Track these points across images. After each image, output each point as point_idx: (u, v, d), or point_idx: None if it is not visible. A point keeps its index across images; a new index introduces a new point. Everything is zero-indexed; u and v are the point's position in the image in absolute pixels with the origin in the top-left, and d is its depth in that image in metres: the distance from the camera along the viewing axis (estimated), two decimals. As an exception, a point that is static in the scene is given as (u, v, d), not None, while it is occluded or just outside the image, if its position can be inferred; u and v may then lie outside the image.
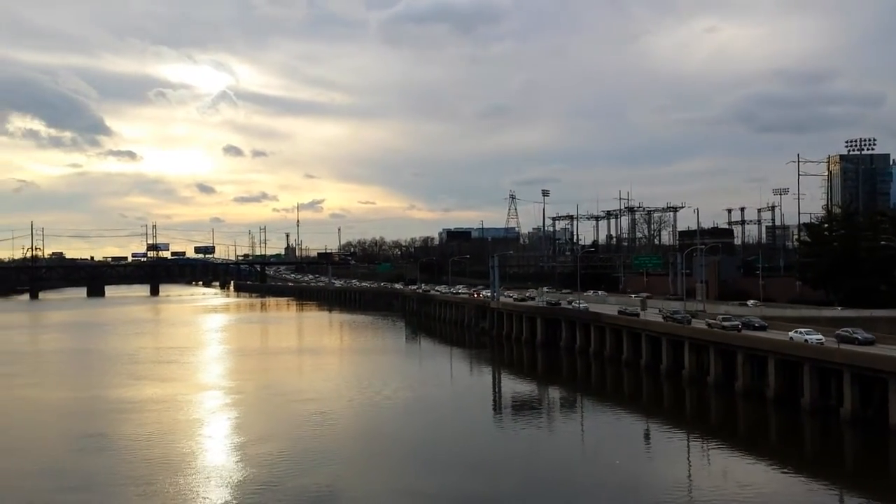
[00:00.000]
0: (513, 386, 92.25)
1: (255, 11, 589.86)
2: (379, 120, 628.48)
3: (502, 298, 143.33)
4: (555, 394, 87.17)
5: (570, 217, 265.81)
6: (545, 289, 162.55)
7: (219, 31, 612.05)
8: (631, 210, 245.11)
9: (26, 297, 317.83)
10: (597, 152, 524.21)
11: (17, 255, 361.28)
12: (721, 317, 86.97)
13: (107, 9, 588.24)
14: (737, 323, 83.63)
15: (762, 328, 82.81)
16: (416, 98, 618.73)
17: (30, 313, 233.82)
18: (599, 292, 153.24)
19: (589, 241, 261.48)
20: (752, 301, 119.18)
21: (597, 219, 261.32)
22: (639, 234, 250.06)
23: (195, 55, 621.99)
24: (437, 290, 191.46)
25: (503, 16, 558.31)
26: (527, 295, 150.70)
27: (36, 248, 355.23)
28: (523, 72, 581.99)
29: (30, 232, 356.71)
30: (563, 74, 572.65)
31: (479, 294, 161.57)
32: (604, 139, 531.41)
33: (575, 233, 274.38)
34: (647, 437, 63.93)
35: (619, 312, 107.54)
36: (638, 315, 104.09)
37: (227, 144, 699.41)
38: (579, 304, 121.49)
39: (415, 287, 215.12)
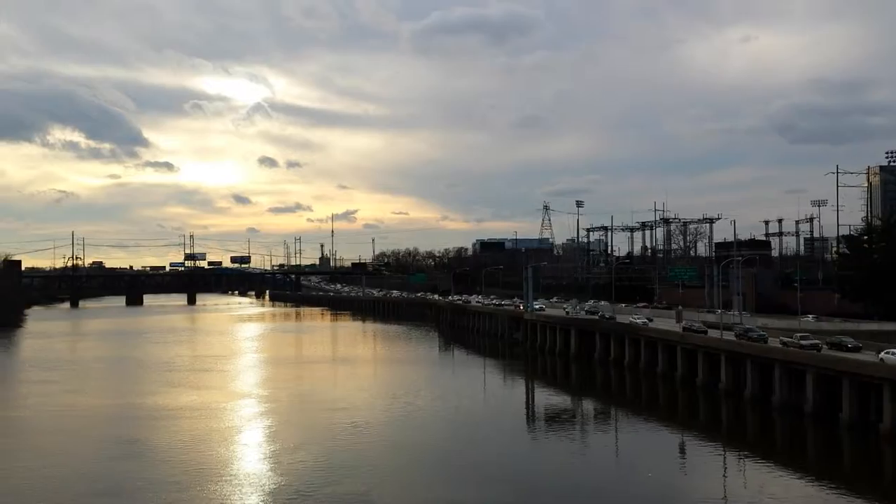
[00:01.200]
0: (546, 397, 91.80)
1: (290, 24, 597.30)
2: (412, 130, 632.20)
3: (549, 310, 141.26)
4: (589, 406, 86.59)
5: (605, 228, 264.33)
6: (602, 302, 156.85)
7: (255, 44, 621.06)
8: (666, 221, 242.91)
9: (67, 305, 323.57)
10: (631, 163, 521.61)
11: (59, 264, 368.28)
12: (798, 335, 78.99)
13: (145, 22, 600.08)
14: (816, 342, 76.07)
15: (856, 349, 73.71)
16: (449, 109, 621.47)
17: (70, 321, 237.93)
18: (646, 308, 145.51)
19: (623, 253, 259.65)
20: (811, 315, 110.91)
21: (631, 230, 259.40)
22: (674, 246, 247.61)
23: (231, 67, 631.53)
24: (480, 302, 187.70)
25: (536, 26, 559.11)
26: (582, 307, 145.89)
27: (77, 258, 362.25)
28: (556, 82, 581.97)
29: (71, 241, 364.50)
30: (596, 84, 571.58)
31: (519, 306, 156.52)
32: (638, 149, 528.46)
33: (609, 244, 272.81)
34: (682, 450, 63.24)
35: (685, 329, 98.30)
36: (706, 332, 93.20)
37: (262, 155, 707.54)
38: (637, 319, 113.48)
39: (448, 297, 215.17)
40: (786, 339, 79.63)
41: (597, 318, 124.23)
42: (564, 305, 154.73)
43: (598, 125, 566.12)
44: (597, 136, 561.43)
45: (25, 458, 58.73)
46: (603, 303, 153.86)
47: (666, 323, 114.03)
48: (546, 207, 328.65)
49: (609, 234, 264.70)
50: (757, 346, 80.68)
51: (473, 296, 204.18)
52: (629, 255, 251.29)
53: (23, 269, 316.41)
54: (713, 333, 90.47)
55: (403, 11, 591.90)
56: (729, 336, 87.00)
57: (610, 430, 73.36)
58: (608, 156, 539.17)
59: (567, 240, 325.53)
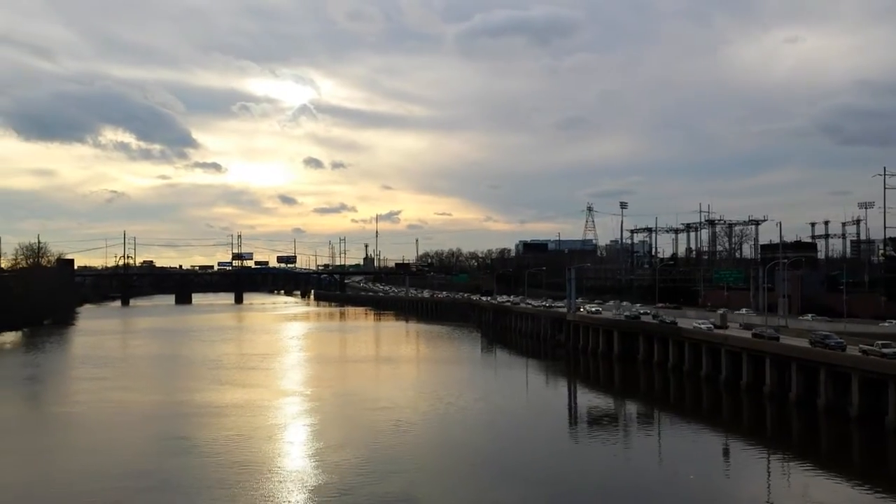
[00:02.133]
0: (589, 399, 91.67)
1: (336, 26, 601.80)
2: (456, 132, 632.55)
3: (605, 313, 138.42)
4: (632, 408, 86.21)
5: (649, 230, 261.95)
6: (659, 306, 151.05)
7: (302, 46, 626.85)
8: (711, 223, 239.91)
9: (118, 303, 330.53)
10: (675, 164, 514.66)
11: (111, 262, 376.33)
12: (880, 343, 73.23)
13: (195, 25, 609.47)
14: None
15: None
16: (492, 110, 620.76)
17: (121, 319, 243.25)
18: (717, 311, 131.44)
19: (668, 255, 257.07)
20: (889, 321, 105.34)
21: (676, 231, 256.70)
22: (719, 248, 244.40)
23: (278, 69, 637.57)
24: (530, 304, 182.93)
25: (579, 27, 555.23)
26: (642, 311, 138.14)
27: (128, 257, 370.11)
28: (599, 83, 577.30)
29: (122, 241, 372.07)
30: (640, 85, 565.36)
31: (580, 308, 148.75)
32: (682, 151, 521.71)
33: (654, 246, 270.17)
34: (725, 453, 62.76)
35: (754, 335, 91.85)
36: (778, 339, 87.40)
37: (307, 156, 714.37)
38: (701, 324, 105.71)
39: (491, 298, 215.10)
40: (867, 348, 73.72)
41: (655, 322, 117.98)
42: (627, 311, 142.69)
43: (642, 126, 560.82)
44: (640, 138, 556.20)
45: (78, 453, 60.59)
46: (659, 306, 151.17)
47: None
48: (589, 209, 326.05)
49: (653, 235, 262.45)
50: (834, 355, 74.95)
51: (520, 297, 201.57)
52: (673, 256, 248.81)
53: (76, 267, 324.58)
54: (788, 338, 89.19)
55: (447, 14, 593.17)
56: (800, 342, 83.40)
57: (653, 433, 73.05)
58: (652, 157, 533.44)
59: (610, 241, 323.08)
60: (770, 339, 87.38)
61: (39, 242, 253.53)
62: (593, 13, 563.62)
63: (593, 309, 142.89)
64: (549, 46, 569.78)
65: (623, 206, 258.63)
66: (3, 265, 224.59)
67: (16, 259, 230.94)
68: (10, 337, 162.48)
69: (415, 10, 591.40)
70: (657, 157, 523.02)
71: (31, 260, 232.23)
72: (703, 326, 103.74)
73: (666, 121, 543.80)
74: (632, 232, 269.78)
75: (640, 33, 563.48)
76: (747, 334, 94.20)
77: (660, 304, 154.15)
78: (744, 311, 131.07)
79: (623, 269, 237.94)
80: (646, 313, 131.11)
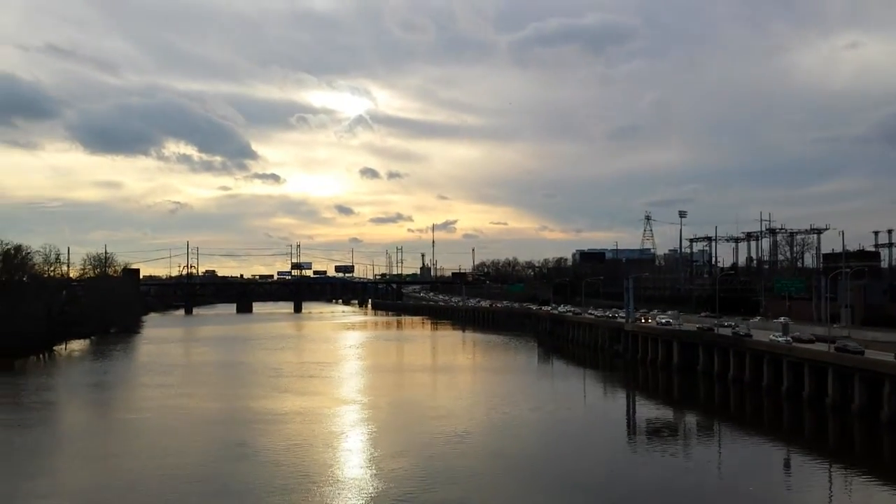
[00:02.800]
0: (647, 410, 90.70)
1: (390, 37, 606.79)
2: (511, 141, 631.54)
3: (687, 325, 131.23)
4: (691, 419, 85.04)
5: (708, 239, 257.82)
6: (703, 315, 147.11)
7: (358, 57, 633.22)
8: (772, 232, 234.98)
9: (181, 312, 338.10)
10: (733, 172, 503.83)
11: (174, 272, 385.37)
12: None
13: (253, 37, 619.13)
14: None
15: None
16: (547, 119, 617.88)
17: (185, 328, 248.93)
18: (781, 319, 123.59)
19: (728, 264, 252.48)
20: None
21: (736, 241, 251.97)
22: (780, 257, 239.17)
23: (336, 81, 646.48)
24: (592, 314, 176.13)
25: (633, 34, 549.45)
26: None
27: (191, 266, 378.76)
28: (654, 90, 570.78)
29: (185, 251, 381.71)
30: (696, 92, 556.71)
31: (649, 319, 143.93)
32: (740, 158, 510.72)
33: (713, 255, 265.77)
34: (786, 465, 61.62)
35: (837, 349, 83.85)
36: (863, 353, 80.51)
37: (364, 167, 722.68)
38: (778, 338, 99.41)
39: (548, 308, 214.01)
40: None
41: (731, 335, 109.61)
42: (699, 322, 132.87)
43: (699, 134, 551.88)
44: (697, 145, 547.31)
45: (144, 457, 62.35)
46: (703, 314, 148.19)
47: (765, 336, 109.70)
48: (647, 217, 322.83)
49: (713, 244, 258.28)
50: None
51: (582, 308, 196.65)
52: (733, 266, 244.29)
53: (141, 277, 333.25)
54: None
55: (500, 23, 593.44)
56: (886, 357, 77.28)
57: (712, 444, 72.02)
58: (709, 165, 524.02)
59: (669, 250, 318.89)
60: (855, 354, 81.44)
61: (106, 253, 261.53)
62: (648, 20, 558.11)
63: (664, 320, 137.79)
64: (603, 54, 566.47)
65: (682, 214, 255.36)
66: (72, 275, 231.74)
67: (84, 269, 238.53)
68: (79, 345, 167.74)
69: (468, 19, 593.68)
70: (715, 164, 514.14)
71: (98, 270, 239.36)
72: (781, 340, 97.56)
73: (723, 128, 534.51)
74: (691, 241, 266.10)
75: (695, 39, 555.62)
76: (825, 347, 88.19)
77: (703, 314, 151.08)
78: (781, 319, 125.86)
79: (682, 278, 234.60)
80: (719, 325, 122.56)
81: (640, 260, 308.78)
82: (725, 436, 75.28)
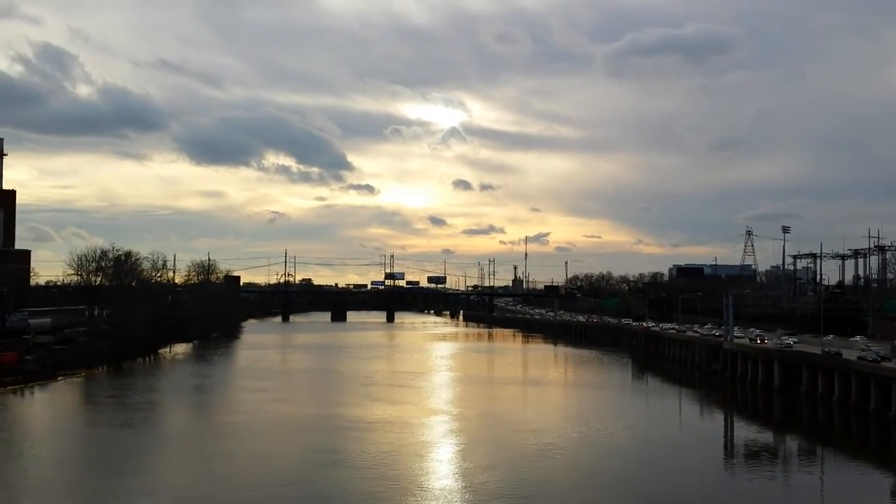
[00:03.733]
0: (746, 431, 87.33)
1: (486, 49, 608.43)
2: (606, 153, 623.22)
3: (800, 346, 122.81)
4: (792, 443, 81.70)
5: (813, 255, 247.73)
6: (856, 337, 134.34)
7: (454, 70, 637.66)
8: (881, 249, 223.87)
9: (278, 319, 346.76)
10: (840, 187, 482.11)
11: (273, 280, 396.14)
12: None
13: (352, 51, 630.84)
14: None
15: None
16: (644, 130, 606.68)
17: (281, 334, 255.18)
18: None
19: (833, 282, 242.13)
20: None
21: (842, 258, 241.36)
22: (890, 275, 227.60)
23: (430, 93, 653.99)
24: (697, 332, 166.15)
25: (735, 45, 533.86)
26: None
27: (288, 275, 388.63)
28: (757, 102, 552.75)
29: (283, 259, 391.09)
30: (801, 104, 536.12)
31: (762, 339, 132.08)
32: (848, 173, 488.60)
33: (818, 272, 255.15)
34: (893, 494, 58.28)
35: None
36: None
37: (456, 178, 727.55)
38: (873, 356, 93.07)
39: (653, 326, 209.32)
40: None
41: (870, 361, 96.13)
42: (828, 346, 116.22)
43: (803, 147, 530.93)
44: (802, 159, 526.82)
45: (240, 459, 64.15)
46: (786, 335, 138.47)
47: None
48: (749, 233, 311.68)
49: (818, 261, 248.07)
50: None
51: (688, 325, 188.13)
52: (840, 284, 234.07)
53: (241, 284, 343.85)
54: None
55: (596, 34, 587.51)
56: None
57: (815, 469, 68.92)
58: (814, 179, 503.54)
59: (770, 267, 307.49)
60: None
61: (209, 260, 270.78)
62: (750, 30, 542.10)
63: (788, 341, 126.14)
64: (704, 65, 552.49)
65: (785, 230, 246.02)
66: (177, 281, 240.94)
67: (188, 275, 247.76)
68: (182, 348, 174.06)
69: (563, 31, 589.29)
70: (821, 179, 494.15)
71: (201, 276, 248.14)
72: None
73: (831, 141, 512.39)
74: (794, 257, 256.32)
75: (801, 49, 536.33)
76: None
77: (830, 336, 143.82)
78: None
79: (785, 296, 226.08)
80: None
81: (741, 276, 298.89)
82: (829, 461, 72.03)
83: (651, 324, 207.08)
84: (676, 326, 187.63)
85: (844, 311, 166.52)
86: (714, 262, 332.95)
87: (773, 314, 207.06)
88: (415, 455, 66.72)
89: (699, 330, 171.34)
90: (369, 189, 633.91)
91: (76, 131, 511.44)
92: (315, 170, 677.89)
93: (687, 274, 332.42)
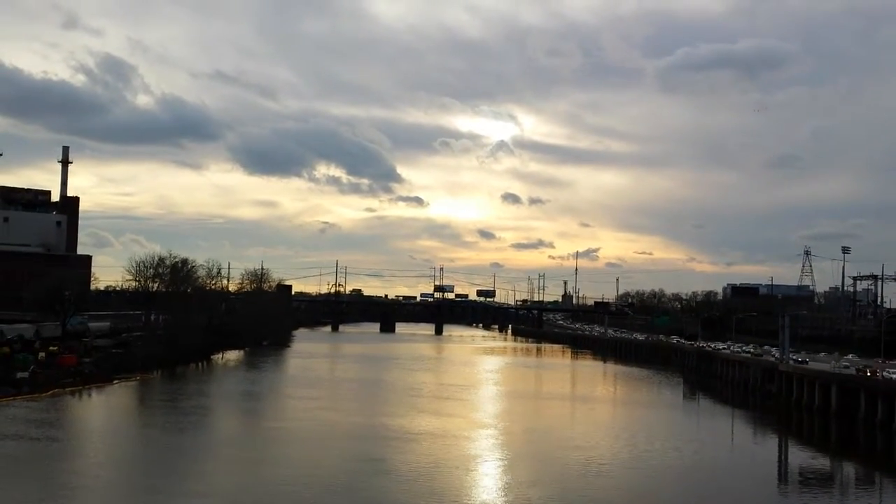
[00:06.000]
0: (801, 456, 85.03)
1: (536, 63, 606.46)
2: (659, 168, 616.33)
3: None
4: (849, 469, 79.33)
5: (874, 277, 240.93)
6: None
7: (505, 83, 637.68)
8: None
9: (328, 328, 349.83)
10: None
11: (323, 289, 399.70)
12: None
13: (405, 64, 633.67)
14: None
15: None
16: (697, 146, 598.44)
17: (331, 344, 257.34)
18: None
19: (895, 305, 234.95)
20: None
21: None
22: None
23: (480, 106, 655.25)
24: (774, 355, 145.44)
25: (791, 60, 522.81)
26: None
27: (339, 285, 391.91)
28: (814, 119, 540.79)
29: (334, 269, 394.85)
30: (861, 121, 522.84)
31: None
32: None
33: (879, 294, 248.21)
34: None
35: None
36: None
37: (505, 192, 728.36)
38: None
39: (696, 343, 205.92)
40: None
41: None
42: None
43: (865, 165, 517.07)
44: (863, 177, 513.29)
45: (286, 466, 64.71)
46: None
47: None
48: (807, 252, 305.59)
49: (878, 283, 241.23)
50: None
51: (752, 345, 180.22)
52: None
53: (293, 293, 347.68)
54: None
55: (648, 48, 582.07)
56: None
57: (873, 498, 66.73)
58: (877, 198, 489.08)
59: (829, 288, 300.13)
60: None
61: (262, 268, 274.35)
62: (807, 45, 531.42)
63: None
64: (758, 80, 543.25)
65: (845, 250, 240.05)
66: (230, 288, 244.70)
67: (242, 283, 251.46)
68: (234, 355, 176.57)
69: (614, 45, 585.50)
70: (884, 198, 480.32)
71: (254, 285, 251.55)
72: None
73: (893, 160, 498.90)
74: (854, 279, 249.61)
75: (861, 65, 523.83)
76: None
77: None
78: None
79: (843, 318, 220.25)
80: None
81: (798, 297, 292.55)
82: (888, 489, 69.70)
83: (703, 343, 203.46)
84: (732, 346, 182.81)
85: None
86: (770, 282, 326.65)
87: (831, 336, 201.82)
88: (460, 468, 66.51)
89: (774, 353, 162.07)
90: (418, 201, 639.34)
91: (135, 140, 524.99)
92: (365, 181, 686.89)
93: (742, 293, 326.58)
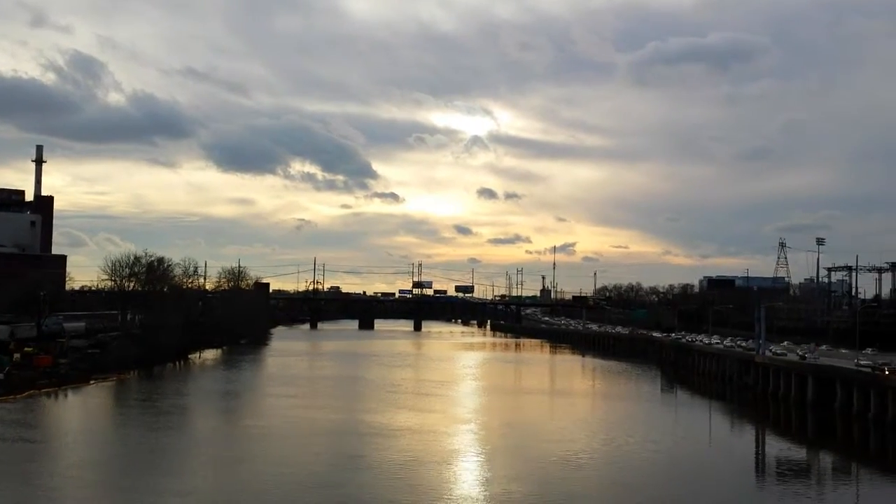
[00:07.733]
0: (778, 448, 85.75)
1: (508, 57, 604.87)
2: (633, 162, 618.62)
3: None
4: (826, 460, 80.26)
5: (848, 268, 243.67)
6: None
7: (480, 78, 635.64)
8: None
9: (307, 326, 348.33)
10: (876, 198, 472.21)
11: (301, 287, 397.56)
12: None
13: (379, 59, 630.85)
14: None
15: None
16: (670, 140, 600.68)
17: (310, 341, 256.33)
18: None
19: (869, 295, 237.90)
20: None
21: (879, 270, 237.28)
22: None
23: (455, 101, 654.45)
24: (742, 345, 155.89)
25: (761, 53, 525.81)
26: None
27: (317, 282, 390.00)
28: (785, 112, 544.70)
29: (311, 267, 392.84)
30: (832, 114, 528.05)
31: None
32: (883, 184, 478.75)
33: (854, 285, 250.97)
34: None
35: None
36: None
37: (481, 187, 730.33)
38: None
39: (673, 336, 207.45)
40: None
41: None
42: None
43: (836, 157, 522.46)
44: (834, 169, 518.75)
45: (265, 463, 64.29)
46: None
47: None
48: (782, 244, 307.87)
49: (853, 274, 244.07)
50: None
51: (729, 337, 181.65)
52: (876, 298, 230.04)
53: (270, 291, 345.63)
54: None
55: (619, 42, 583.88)
56: None
57: (849, 487, 67.53)
58: (848, 190, 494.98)
59: (804, 280, 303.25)
60: None
61: (239, 267, 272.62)
62: (778, 38, 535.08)
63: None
64: (729, 73, 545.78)
65: (819, 242, 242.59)
66: (207, 287, 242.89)
67: (219, 282, 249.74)
68: (212, 354, 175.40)
69: (586, 39, 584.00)
70: (855, 190, 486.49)
71: (231, 283, 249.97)
72: None
73: (864, 151, 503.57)
74: (829, 270, 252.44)
75: (832, 58, 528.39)
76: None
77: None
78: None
79: (819, 309, 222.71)
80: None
81: (773, 289, 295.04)
82: (864, 479, 70.56)
83: (678, 335, 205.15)
84: (725, 343, 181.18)
85: (881, 326, 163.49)
86: (745, 274, 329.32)
87: (807, 328, 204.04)
88: (439, 463, 66.51)
89: (742, 343, 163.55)
90: (394, 197, 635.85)
91: (108, 138, 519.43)
92: (340, 178, 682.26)
93: (718, 286, 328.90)
